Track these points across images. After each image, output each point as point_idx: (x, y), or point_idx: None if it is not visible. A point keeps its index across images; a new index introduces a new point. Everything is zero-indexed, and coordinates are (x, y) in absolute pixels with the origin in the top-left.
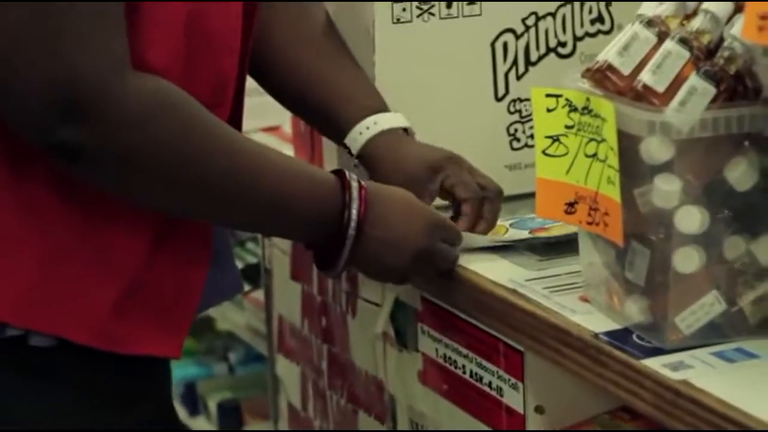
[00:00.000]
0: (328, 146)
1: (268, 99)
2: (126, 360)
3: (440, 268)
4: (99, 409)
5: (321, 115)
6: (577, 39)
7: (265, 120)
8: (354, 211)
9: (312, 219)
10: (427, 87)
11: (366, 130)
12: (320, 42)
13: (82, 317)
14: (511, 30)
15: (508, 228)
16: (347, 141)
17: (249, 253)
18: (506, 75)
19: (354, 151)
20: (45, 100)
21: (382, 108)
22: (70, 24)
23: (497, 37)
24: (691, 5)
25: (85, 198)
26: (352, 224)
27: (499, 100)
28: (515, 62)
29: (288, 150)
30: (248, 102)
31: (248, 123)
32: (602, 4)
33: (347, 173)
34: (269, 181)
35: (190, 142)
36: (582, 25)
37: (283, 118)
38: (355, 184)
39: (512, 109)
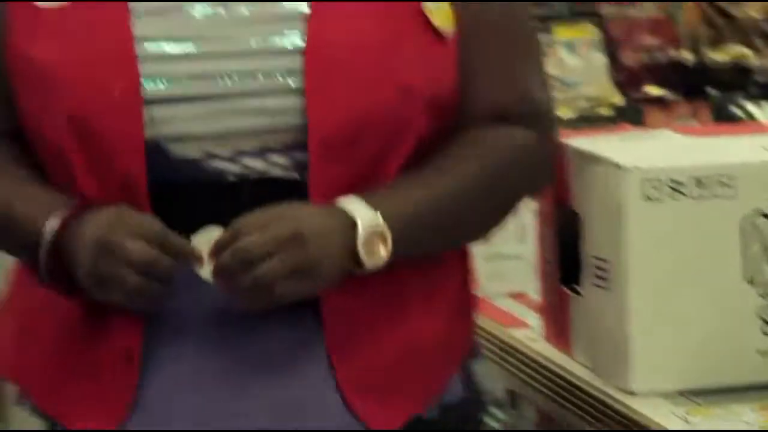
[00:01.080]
0: (577, 316)
1: (515, 264)
2: None
3: (133, 270)
4: None
5: None
6: None
7: (510, 285)
8: (50, 225)
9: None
10: (675, 266)
11: None
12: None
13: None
14: (763, 213)
15: None
16: None
17: None
18: (757, 257)
19: None
20: None
21: None
22: None
23: (747, 218)
24: None
25: None
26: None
27: (749, 283)
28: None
29: (533, 318)
30: (492, 266)
31: (493, 286)
32: None
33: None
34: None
35: None
36: None
37: (527, 284)
38: (57, 212)
39: (763, 293)
